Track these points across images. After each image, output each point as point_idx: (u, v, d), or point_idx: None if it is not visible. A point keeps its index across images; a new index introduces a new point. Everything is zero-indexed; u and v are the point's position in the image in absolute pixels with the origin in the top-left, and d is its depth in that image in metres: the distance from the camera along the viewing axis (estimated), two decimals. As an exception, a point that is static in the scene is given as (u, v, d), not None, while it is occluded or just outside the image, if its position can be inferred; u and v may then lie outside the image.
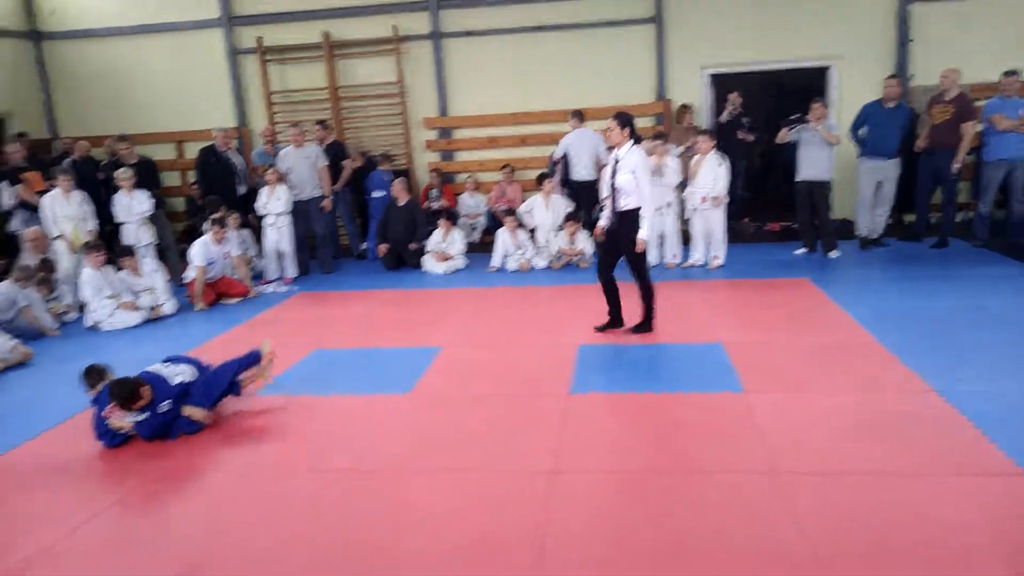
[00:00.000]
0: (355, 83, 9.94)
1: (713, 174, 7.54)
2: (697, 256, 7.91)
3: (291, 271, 8.48)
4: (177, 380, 4.35)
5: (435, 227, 8.69)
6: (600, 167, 8.54)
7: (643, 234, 5.30)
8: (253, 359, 4.76)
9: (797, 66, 9.31)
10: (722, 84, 9.61)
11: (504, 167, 9.56)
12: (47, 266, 7.20)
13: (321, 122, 9.28)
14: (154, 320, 7.00)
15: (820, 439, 3.81)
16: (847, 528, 3.01)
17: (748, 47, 9.24)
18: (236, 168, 8.93)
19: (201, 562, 3.03)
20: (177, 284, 8.00)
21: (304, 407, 4.68)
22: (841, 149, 8.26)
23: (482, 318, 6.54)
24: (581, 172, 8.67)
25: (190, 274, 7.48)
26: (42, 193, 8.02)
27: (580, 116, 8.68)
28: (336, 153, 9.08)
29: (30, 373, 5.71)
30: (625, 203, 5.32)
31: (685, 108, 9.15)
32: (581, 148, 8.63)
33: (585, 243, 8.23)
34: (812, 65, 9.32)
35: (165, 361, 4.61)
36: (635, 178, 5.23)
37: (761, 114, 10.39)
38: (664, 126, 9.32)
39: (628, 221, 5.34)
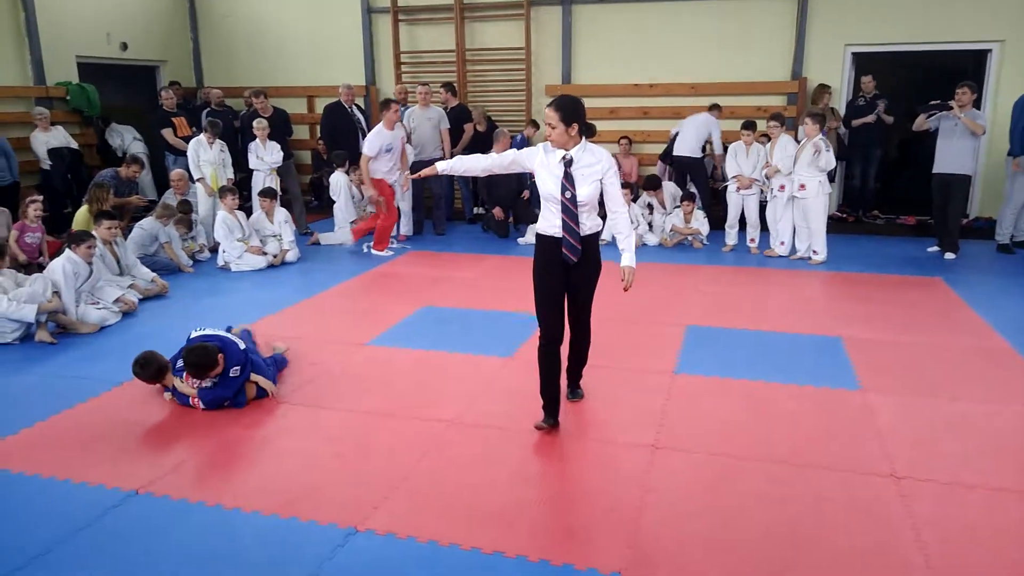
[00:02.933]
0: (482, 47, 9.99)
1: (812, 162, 7.00)
2: (805, 247, 7.42)
3: (406, 229, 8.68)
4: (242, 346, 4.17)
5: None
6: (702, 145, 8.45)
7: (628, 262, 3.70)
8: (281, 364, 4.60)
9: (952, 47, 8.58)
10: (859, 66, 9.01)
11: (621, 139, 9.39)
12: (187, 206, 7.68)
13: (447, 85, 9.39)
14: (277, 266, 7.37)
15: (946, 447, 3.57)
16: (967, 543, 2.82)
17: (900, 24, 8.57)
18: (360, 125, 9.21)
19: (309, 494, 3.19)
20: (300, 232, 8.39)
21: (408, 359, 4.82)
22: (991, 141, 7.61)
23: (590, 290, 6.48)
24: (683, 148, 8.51)
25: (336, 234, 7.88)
26: (186, 139, 8.59)
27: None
28: (459, 116, 9.19)
29: (165, 305, 6.14)
30: (592, 224, 3.67)
31: (824, 88, 8.64)
32: (689, 124, 8.47)
33: (701, 222, 8.02)
34: (969, 47, 8.56)
35: (227, 329, 4.50)
36: (605, 188, 3.62)
37: (899, 101, 9.69)
38: (797, 107, 8.87)
39: (593, 249, 3.74)
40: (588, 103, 9.67)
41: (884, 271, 6.98)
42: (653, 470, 3.37)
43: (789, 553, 2.76)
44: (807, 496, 3.15)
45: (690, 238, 8.07)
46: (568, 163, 3.54)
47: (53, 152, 8.39)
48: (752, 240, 7.80)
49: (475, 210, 9.78)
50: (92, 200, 6.86)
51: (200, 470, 3.45)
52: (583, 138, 3.57)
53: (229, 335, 4.26)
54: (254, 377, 4.13)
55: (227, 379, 4.01)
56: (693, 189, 8.47)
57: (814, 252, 7.27)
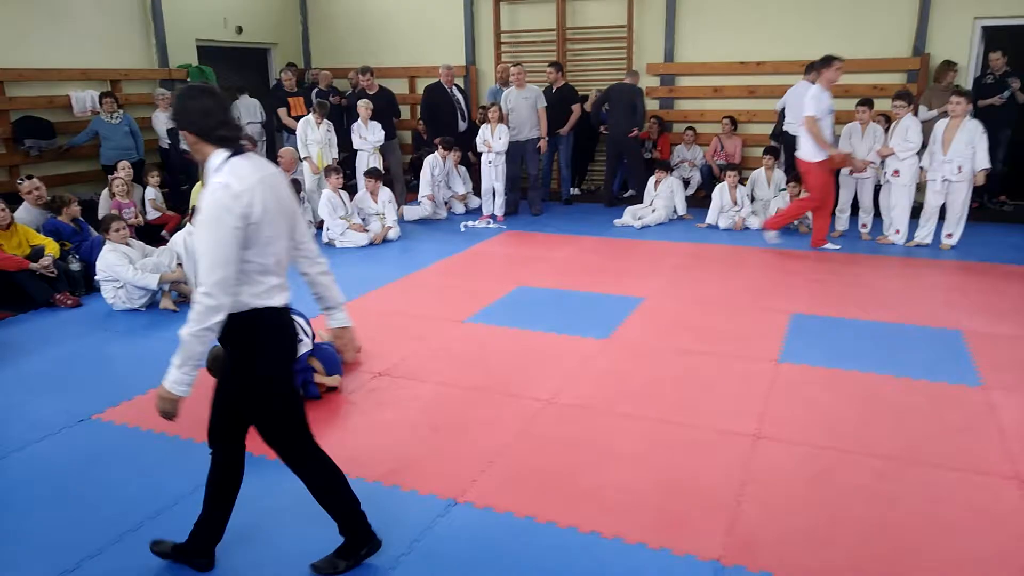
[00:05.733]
0: (583, 25, 9.88)
1: (969, 142, 6.62)
2: (924, 234, 7.03)
3: (502, 209, 8.75)
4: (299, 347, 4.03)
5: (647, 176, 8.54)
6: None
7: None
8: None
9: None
10: (988, 41, 8.35)
11: (724, 119, 9.10)
12: (295, 185, 8.00)
13: (554, 64, 9.30)
14: (378, 243, 7.57)
15: (1078, 451, 3.32)
16: (1103, 555, 2.61)
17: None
18: (458, 105, 9.31)
19: (410, 465, 3.29)
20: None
21: (503, 338, 4.86)
22: None
23: (689, 273, 6.36)
24: (789, 124, 8.14)
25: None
26: (299, 119, 8.93)
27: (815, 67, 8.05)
28: (566, 97, 9.12)
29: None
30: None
31: (949, 65, 8.07)
32: (792, 98, 8.07)
33: (808, 206, 7.69)
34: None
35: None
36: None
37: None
38: (918, 85, 8.34)
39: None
40: (691, 82, 9.56)
41: (1011, 261, 6.51)
42: (754, 460, 3.29)
43: (898, 554, 2.64)
44: (918, 495, 3.00)
45: (796, 222, 7.75)
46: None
47: (172, 132, 8.88)
48: (864, 226, 7.43)
49: (572, 191, 9.74)
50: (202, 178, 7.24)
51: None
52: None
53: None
54: (319, 378, 4.01)
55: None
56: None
57: (948, 235, 6.94)
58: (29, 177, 6.47)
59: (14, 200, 6.30)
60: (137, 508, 2.98)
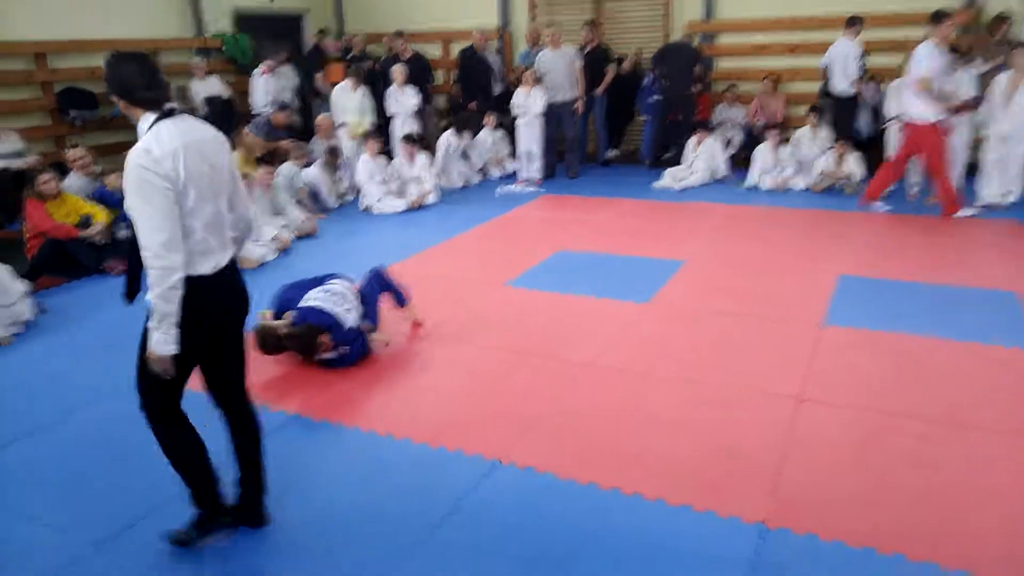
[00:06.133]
0: (620, -17, 9.66)
1: None
2: (991, 191, 6.77)
3: (539, 172, 8.68)
4: (348, 318, 3.94)
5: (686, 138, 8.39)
6: (851, 80, 7.83)
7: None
8: (399, 297, 4.43)
9: None
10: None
11: (765, 77, 8.87)
12: (333, 151, 8.03)
13: (590, 23, 9.13)
14: (416, 208, 7.59)
15: None
16: None
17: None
18: (493, 69, 9.20)
19: (454, 426, 3.33)
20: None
21: (544, 302, 4.87)
22: None
23: (731, 236, 6.27)
24: (835, 84, 7.93)
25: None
26: (335, 85, 8.93)
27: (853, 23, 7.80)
28: (600, 57, 8.96)
29: (314, 244, 6.51)
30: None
31: (1002, 18, 7.73)
32: (836, 56, 7.87)
33: (855, 166, 7.49)
34: None
35: (321, 282, 4.20)
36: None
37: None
38: (970, 38, 8.00)
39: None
40: (732, 39, 9.31)
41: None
42: (798, 422, 3.26)
43: (943, 520, 2.61)
44: (965, 459, 2.95)
45: (841, 183, 7.56)
46: None
47: (208, 100, 8.96)
48: (913, 186, 7.21)
49: (610, 152, 9.61)
50: (240, 144, 7.33)
51: (353, 398, 3.68)
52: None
53: (334, 310, 3.91)
54: (372, 337, 4.05)
55: (339, 356, 3.88)
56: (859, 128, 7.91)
57: (1008, 192, 6.71)
58: (75, 146, 6.60)
59: (61, 170, 6.44)
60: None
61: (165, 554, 2.55)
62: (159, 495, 2.83)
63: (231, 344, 2.53)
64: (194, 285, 2.28)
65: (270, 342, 3.86)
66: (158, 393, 2.44)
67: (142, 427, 2.48)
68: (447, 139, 8.58)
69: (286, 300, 4.08)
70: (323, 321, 3.82)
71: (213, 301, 2.38)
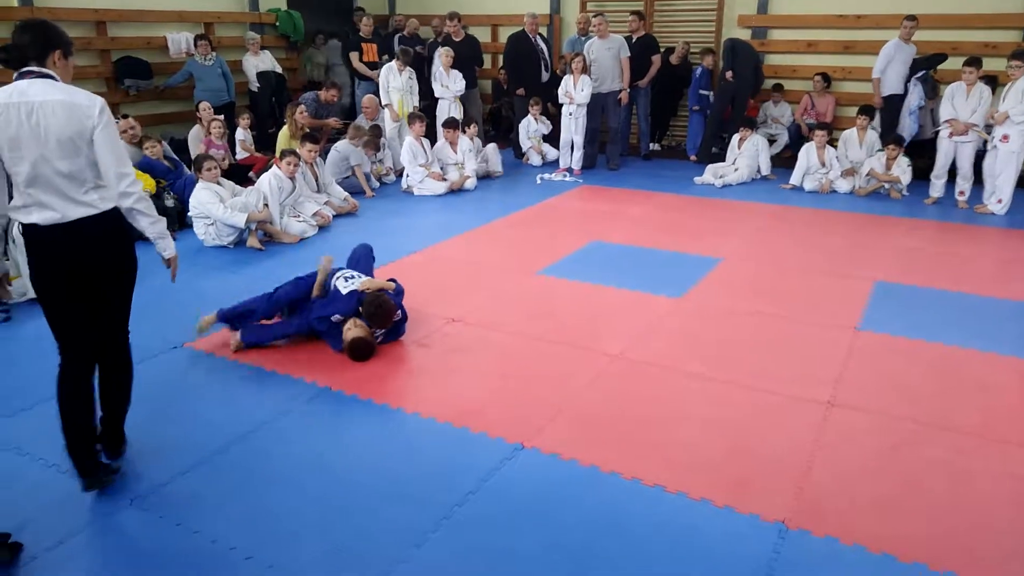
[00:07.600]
0: (673, -27, 9.55)
1: None
2: None
3: (579, 163, 8.65)
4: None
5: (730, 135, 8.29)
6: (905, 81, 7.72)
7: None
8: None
9: None
10: None
11: (816, 76, 8.70)
12: (377, 131, 8.11)
13: (637, 12, 9.06)
14: (455, 192, 7.64)
15: None
16: None
17: None
18: (542, 55, 9.18)
19: (480, 409, 3.38)
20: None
21: (576, 291, 4.88)
22: None
23: (770, 235, 6.20)
24: (886, 85, 7.82)
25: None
26: (371, 65, 8.97)
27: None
28: (647, 47, 8.88)
29: (355, 222, 6.60)
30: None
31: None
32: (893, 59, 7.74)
33: (904, 170, 7.33)
34: None
35: (343, 271, 4.26)
36: None
37: None
38: (1034, 42, 7.76)
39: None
40: (784, 35, 9.16)
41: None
42: (827, 427, 3.23)
43: (972, 532, 2.58)
44: (998, 473, 2.91)
45: (887, 186, 7.41)
46: None
47: (261, 75, 9.10)
48: (961, 193, 7.04)
49: (651, 146, 9.54)
50: (289, 119, 7.43)
51: (383, 375, 3.75)
52: None
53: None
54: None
55: (393, 331, 4.07)
56: (903, 132, 7.73)
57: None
58: (125, 116, 6.76)
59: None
60: (223, 432, 3.17)
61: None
62: (197, 454, 2.92)
63: (92, 294, 2.66)
64: (28, 232, 2.55)
65: (383, 313, 3.89)
66: (59, 335, 2.67)
67: (182, 388, 2.56)
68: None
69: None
70: (396, 298, 4.09)
71: (48, 251, 2.56)
